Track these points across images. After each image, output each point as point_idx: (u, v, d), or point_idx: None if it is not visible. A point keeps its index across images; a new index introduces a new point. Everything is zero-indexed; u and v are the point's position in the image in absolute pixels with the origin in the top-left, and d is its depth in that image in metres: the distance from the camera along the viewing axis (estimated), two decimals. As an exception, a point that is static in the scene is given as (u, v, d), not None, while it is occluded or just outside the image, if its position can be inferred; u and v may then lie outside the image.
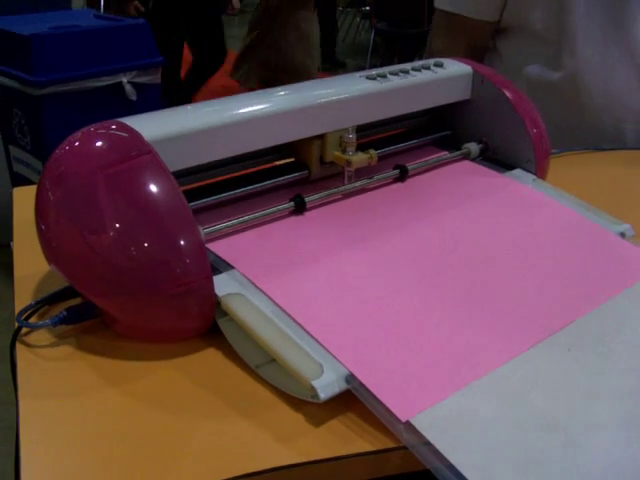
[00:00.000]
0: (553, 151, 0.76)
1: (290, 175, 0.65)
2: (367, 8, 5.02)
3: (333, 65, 4.78)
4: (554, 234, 0.63)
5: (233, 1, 2.90)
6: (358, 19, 5.48)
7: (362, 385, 0.44)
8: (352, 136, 0.63)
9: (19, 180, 2.06)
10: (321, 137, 0.63)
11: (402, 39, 4.60)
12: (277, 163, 0.67)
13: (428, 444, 0.41)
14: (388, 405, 0.43)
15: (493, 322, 0.52)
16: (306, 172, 0.65)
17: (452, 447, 0.41)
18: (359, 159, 0.63)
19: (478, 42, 1.06)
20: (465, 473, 0.39)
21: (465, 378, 0.46)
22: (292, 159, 0.67)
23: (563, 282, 0.57)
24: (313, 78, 3.38)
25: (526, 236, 0.62)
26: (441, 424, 0.43)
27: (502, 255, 0.59)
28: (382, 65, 0.72)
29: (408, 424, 0.42)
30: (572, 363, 0.49)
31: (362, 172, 0.66)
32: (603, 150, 0.94)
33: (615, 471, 0.41)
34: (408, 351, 0.48)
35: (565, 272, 0.58)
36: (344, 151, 0.63)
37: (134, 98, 1.98)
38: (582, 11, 0.94)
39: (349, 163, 0.63)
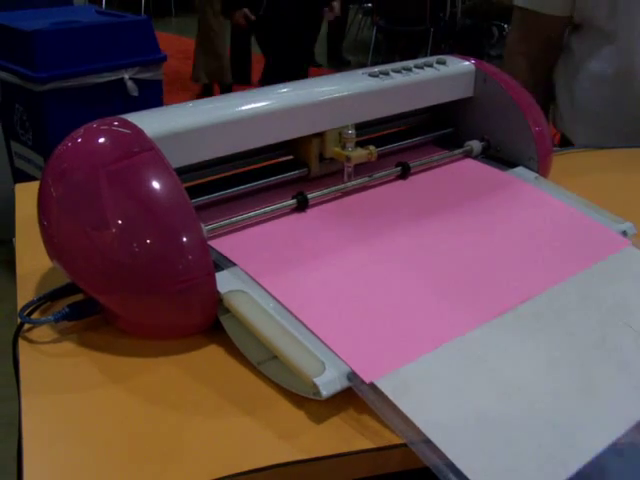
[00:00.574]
0: (555, 149, 0.76)
1: (291, 172, 0.65)
2: (369, 5, 5.01)
3: (339, 63, 4.75)
4: (537, 220, 0.64)
5: (334, 7, 2.84)
6: (360, 16, 5.46)
7: (331, 350, 0.46)
8: (352, 132, 0.63)
9: (20, 176, 2.06)
10: (320, 134, 0.63)
11: (404, 37, 4.59)
12: (279, 160, 0.67)
13: (428, 441, 0.41)
14: (354, 368, 0.45)
15: (462, 295, 0.53)
16: (305, 170, 0.65)
17: (414, 407, 0.43)
18: (358, 155, 0.63)
19: (551, 37, 1.07)
20: (425, 431, 0.41)
21: (431, 344, 0.48)
22: (291, 157, 0.67)
23: (532, 258, 0.59)
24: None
25: (516, 226, 0.63)
26: (404, 386, 0.45)
27: (487, 241, 0.61)
28: (384, 62, 0.72)
29: (372, 385, 0.44)
30: (535, 332, 0.51)
31: (364, 170, 0.66)
32: (606, 148, 0.94)
33: (571, 433, 0.43)
34: (379, 322, 0.49)
35: (535, 250, 0.60)
36: (344, 147, 0.63)
37: (136, 94, 1.98)
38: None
39: (349, 159, 0.63)
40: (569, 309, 0.54)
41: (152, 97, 2.04)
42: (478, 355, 0.48)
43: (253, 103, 0.58)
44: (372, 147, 0.64)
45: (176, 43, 4.98)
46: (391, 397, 0.43)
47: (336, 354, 0.46)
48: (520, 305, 0.53)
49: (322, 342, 0.47)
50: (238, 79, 4.11)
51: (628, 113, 1.01)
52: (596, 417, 0.44)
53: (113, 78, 1.93)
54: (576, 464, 0.41)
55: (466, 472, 0.39)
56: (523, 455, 0.41)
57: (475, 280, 0.55)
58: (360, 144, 0.65)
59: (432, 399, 0.44)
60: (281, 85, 0.63)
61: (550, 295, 0.55)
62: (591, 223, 0.64)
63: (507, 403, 0.45)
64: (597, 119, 1.04)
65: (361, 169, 0.66)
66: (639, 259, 0.61)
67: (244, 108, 0.57)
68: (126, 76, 1.95)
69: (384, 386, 0.44)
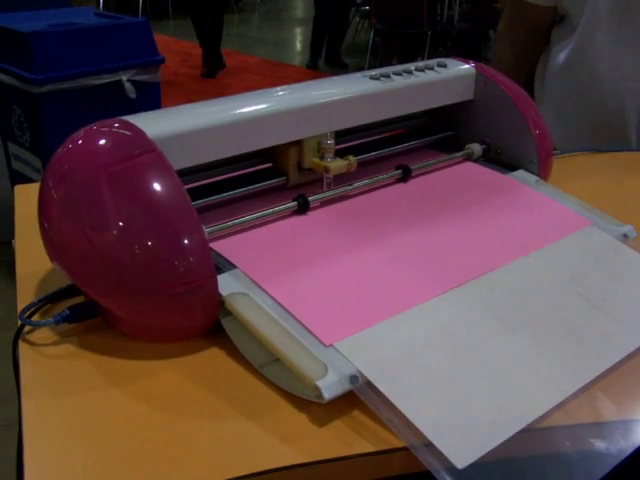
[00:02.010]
0: (556, 152, 0.76)
1: (269, 181, 0.64)
2: (367, 8, 5.00)
3: (337, 66, 4.73)
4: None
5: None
6: (357, 19, 5.46)
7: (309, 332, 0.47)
8: (331, 142, 0.62)
9: (18, 178, 2.06)
10: (298, 143, 0.62)
11: (401, 39, 4.59)
12: (262, 166, 0.66)
13: (429, 445, 0.41)
14: (314, 332, 0.47)
15: (426, 268, 0.56)
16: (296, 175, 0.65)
17: (369, 365, 0.45)
18: (337, 166, 0.62)
19: (535, 29, 1.09)
20: (380, 387, 0.44)
21: (391, 311, 0.50)
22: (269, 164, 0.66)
23: (498, 235, 0.61)
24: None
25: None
26: (362, 348, 0.47)
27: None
28: (381, 65, 0.72)
29: (332, 347, 0.46)
30: (494, 300, 0.53)
31: (364, 173, 0.66)
32: (606, 152, 0.94)
33: (524, 392, 0.46)
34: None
35: (501, 228, 0.62)
36: (322, 157, 0.62)
37: (133, 96, 1.97)
38: None
39: (327, 170, 0.62)
40: (527, 280, 0.56)
41: (150, 99, 2.04)
42: (435, 320, 0.50)
43: (262, 104, 0.58)
44: (351, 157, 0.63)
45: (174, 45, 4.98)
46: (349, 357, 0.45)
47: (342, 355, 0.46)
48: (477, 278, 0.55)
49: (323, 344, 0.47)
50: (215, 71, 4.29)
51: (580, 108, 1.03)
52: (546, 379, 0.47)
53: (111, 80, 1.93)
54: (526, 420, 0.43)
55: (419, 426, 0.41)
56: (475, 411, 0.44)
57: (442, 260, 0.57)
58: (358, 148, 0.64)
59: (387, 359, 0.46)
60: (286, 87, 0.62)
61: (509, 268, 0.57)
62: (560, 207, 0.67)
63: (461, 363, 0.47)
64: (561, 111, 1.06)
65: (362, 172, 0.65)
66: (599, 237, 0.63)
67: (252, 109, 0.57)
68: (124, 78, 1.95)
69: (342, 348, 0.46)
